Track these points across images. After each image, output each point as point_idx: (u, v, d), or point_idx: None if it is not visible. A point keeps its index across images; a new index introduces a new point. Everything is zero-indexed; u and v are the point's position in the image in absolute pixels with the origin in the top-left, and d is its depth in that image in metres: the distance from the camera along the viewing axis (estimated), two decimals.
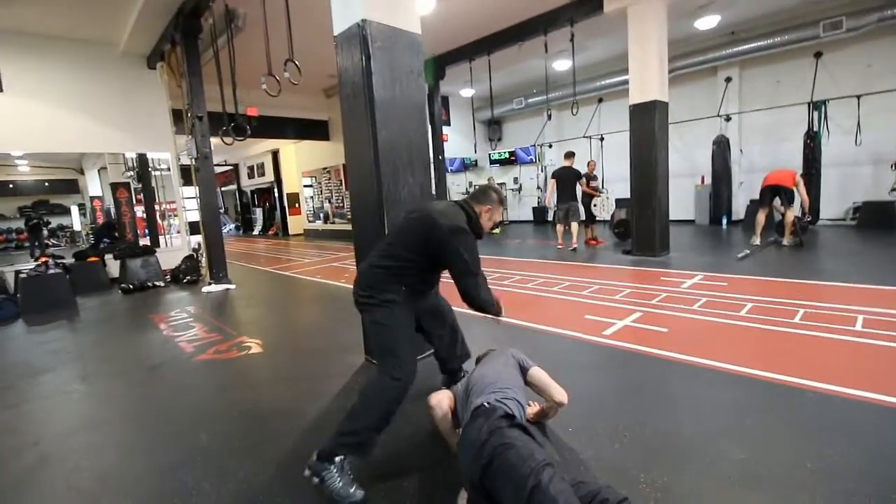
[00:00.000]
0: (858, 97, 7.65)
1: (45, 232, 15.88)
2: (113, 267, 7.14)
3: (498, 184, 13.71)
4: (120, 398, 2.92)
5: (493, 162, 14.50)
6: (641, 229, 6.43)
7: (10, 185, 15.87)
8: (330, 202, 13.44)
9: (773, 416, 2.10)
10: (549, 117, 7.94)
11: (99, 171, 14.87)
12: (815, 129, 8.01)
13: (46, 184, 17.45)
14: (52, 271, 5.87)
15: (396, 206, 2.90)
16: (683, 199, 10.30)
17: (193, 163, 6.31)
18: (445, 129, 13.52)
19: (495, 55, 8.22)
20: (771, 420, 2.06)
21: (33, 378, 3.32)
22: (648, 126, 6.14)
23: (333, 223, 13.39)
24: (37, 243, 13.86)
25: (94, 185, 16.10)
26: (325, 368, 3.11)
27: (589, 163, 8.25)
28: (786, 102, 8.48)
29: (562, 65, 9.46)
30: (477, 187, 1.87)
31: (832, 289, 4.18)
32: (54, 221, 17.66)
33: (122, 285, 6.57)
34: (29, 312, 5.44)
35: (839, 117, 7.98)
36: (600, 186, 7.63)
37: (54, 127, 6.78)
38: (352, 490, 1.64)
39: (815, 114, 8.05)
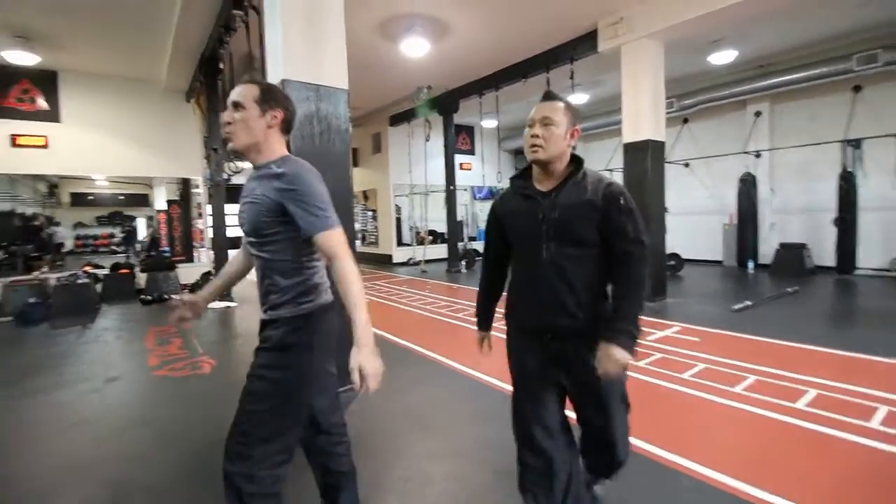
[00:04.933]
0: None
1: (137, 239, 18.04)
2: (143, 279, 7.93)
3: None
4: (61, 407, 3.19)
5: None
6: None
7: (90, 197, 18.06)
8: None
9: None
10: None
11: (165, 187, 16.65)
12: (850, 168, 7.31)
13: (121, 197, 19.64)
14: (80, 281, 6.64)
15: None
16: (712, 238, 9.71)
17: (208, 190, 6.94)
18: (470, 158, 13.80)
19: (506, 89, 8.36)
20: None
21: (15, 383, 3.74)
22: (641, 166, 5.94)
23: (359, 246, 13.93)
24: (130, 248, 16.14)
25: (160, 200, 17.87)
26: None
27: None
28: (821, 139, 7.82)
29: (577, 98, 9.41)
30: None
31: (806, 353, 3.80)
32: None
33: (142, 297, 7.27)
34: (57, 316, 6.17)
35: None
36: None
37: (107, 153, 7.77)
38: None
39: (851, 152, 7.36)
